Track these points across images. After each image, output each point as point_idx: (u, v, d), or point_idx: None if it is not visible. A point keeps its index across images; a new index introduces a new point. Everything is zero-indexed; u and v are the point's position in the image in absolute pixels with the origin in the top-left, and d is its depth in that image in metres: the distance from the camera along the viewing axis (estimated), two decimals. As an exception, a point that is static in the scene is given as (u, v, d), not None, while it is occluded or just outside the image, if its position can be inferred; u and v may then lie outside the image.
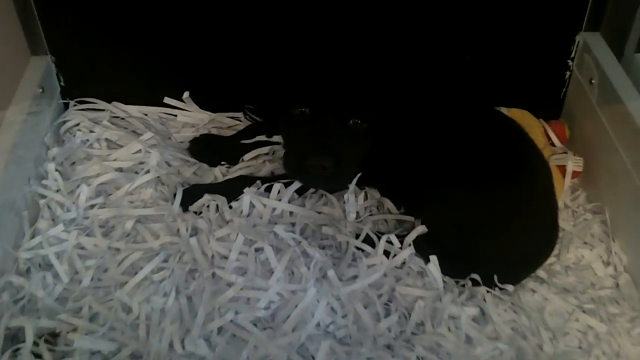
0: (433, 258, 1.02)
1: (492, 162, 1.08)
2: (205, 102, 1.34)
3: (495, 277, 1.04)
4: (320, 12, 1.22)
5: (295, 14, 1.22)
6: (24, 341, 0.93)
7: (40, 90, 1.21)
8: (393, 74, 1.15)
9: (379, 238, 1.05)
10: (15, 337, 0.96)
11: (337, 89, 1.08)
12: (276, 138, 1.26)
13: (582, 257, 1.14)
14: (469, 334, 0.97)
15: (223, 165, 1.24)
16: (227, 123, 1.34)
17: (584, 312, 1.04)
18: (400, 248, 1.04)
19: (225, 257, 1.02)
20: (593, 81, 1.24)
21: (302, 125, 1.08)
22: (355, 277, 1.01)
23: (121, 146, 1.23)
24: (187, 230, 1.07)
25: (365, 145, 1.10)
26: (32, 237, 1.08)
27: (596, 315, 1.03)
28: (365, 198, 1.17)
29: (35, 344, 0.93)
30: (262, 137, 1.26)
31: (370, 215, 1.14)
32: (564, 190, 1.24)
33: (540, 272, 1.10)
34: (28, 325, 0.93)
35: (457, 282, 1.05)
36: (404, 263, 1.04)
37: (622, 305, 1.06)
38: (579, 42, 1.28)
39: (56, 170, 1.16)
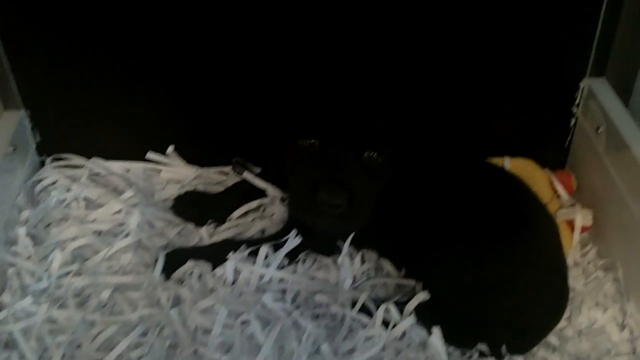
0: (436, 330, 0.94)
1: (495, 220, 1.00)
2: (191, 157, 1.27)
3: (504, 346, 0.96)
4: (332, 38, 1.14)
5: (306, 38, 1.14)
6: None
7: (12, 148, 1.13)
8: (406, 107, 1.06)
9: (378, 306, 0.96)
10: None
11: (350, 117, 0.97)
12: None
13: (596, 319, 1.06)
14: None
15: (210, 224, 1.16)
16: (215, 179, 1.26)
17: (601, 384, 0.95)
18: (401, 316, 0.96)
19: (209, 331, 0.94)
20: (600, 129, 1.17)
21: (311, 159, 0.97)
22: (352, 350, 0.93)
23: (101, 205, 1.16)
24: (168, 300, 0.99)
25: (381, 182, 1.00)
26: (-1, 310, 0.99)
27: (615, 387, 0.95)
28: (363, 261, 1.09)
29: None
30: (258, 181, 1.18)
31: (368, 279, 1.06)
32: (573, 246, 1.17)
33: (552, 338, 1.02)
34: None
35: (462, 354, 0.96)
36: (404, 334, 0.95)
37: (643, 375, 0.98)
38: (583, 88, 1.22)
39: (27, 234, 1.08)
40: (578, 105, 1.24)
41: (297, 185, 0.99)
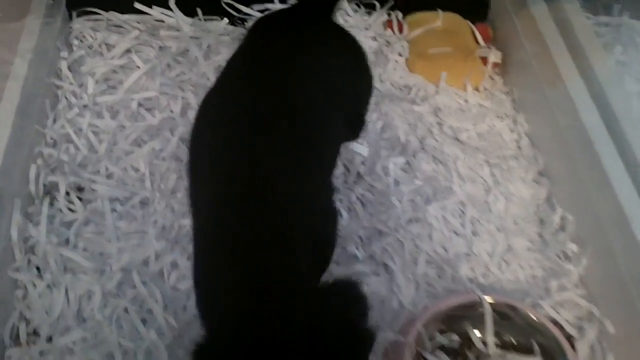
0: None
1: None
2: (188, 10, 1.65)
3: None
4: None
5: None
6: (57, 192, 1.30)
7: (52, 1, 1.54)
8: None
9: None
10: (49, 192, 1.31)
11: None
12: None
13: (494, 126, 1.51)
14: (397, 178, 1.35)
15: None
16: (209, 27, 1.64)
17: (489, 165, 1.41)
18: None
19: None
20: (510, -12, 1.59)
21: None
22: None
23: (115, 46, 1.57)
24: (180, 107, 1.43)
25: None
26: (54, 120, 1.42)
27: (499, 167, 1.41)
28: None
29: (67, 193, 1.30)
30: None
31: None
32: (485, 77, 1.60)
33: (462, 136, 1.47)
34: (61, 180, 1.30)
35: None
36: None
37: (520, 160, 1.44)
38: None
39: (67, 67, 1.51)
40: (496, -35, 1.65)
41: None
